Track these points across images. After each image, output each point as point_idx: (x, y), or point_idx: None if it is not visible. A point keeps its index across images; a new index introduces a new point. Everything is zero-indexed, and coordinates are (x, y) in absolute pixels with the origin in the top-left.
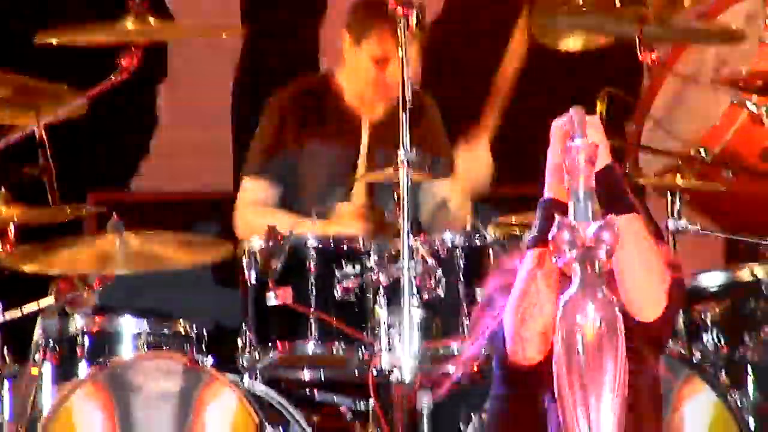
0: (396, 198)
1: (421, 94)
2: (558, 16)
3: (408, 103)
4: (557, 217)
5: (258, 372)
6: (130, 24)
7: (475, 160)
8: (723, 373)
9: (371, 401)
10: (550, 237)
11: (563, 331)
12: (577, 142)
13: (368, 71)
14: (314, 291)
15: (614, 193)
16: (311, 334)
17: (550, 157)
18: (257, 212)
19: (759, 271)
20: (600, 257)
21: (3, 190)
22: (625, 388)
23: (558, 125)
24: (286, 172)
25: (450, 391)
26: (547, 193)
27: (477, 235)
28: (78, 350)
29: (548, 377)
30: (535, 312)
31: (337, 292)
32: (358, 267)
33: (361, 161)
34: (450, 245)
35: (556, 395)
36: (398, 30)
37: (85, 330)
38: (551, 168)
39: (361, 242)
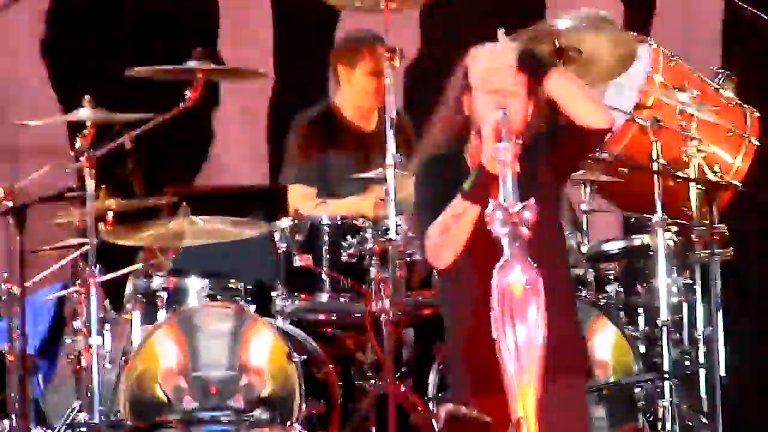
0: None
1: (400, 114)
2: None
3: (392, 120)
4: (491, 201)
5: (287, 315)
6: (193, 64)
7: None
8: (622, 313)
9: (369, 335)
10: (486, 213)
11: (499, 285)
12: (504, 144)
13: (368, 84)
14: (327, 256)
15: (535, 65)
16: (325, 288)
17: (485, 129)
18: (306, 207)
19: (647, 239)
20: (523, 233)
21: (104, 186)
22: (545, 328)
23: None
24: (315, 176)
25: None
26: (483, 159)
27: None
28: (158, 302)
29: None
30: (452, 246)
31: (344, 257)
32: (358, 239)
33: (367, 163)
34: None
35: (494, 331)
36: (381, 59)
37: (163, 287)
38: (485, 138)
39: (360, 221)
